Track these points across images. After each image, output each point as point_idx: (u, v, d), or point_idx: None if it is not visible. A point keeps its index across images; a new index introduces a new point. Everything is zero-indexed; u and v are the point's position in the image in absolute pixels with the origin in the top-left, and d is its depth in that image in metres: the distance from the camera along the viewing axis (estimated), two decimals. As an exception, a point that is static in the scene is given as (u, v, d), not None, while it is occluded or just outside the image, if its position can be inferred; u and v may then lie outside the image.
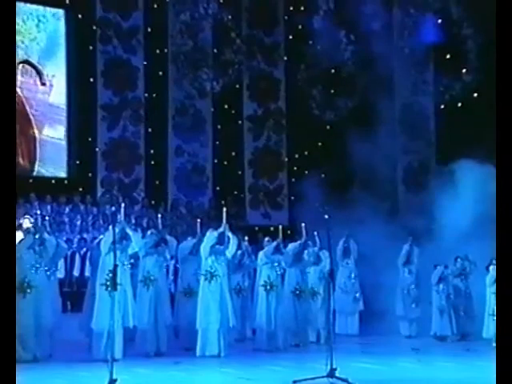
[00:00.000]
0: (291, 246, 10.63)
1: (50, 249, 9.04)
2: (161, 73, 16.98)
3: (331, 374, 7.16)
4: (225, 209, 9.74)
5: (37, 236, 8.94)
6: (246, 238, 11.89)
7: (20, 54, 15.81)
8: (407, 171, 17.87)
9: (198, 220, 10.68)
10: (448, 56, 17.03)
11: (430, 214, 13.13)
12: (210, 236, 9.47)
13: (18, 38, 15.71)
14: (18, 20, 15.68)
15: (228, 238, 9.51)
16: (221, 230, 9.47)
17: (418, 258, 12.37)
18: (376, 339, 11.56)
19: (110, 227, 9.31)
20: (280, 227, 10.56)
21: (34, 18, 16.18)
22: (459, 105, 16.72)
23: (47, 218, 10.98)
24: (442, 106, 17.27)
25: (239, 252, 10.56)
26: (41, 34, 16.24)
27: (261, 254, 10.37)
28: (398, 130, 17.59)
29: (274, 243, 10.34)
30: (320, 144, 17.55)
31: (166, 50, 16.94)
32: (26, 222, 10.67)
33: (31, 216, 12.69)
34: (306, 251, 10.76)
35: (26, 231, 9.42)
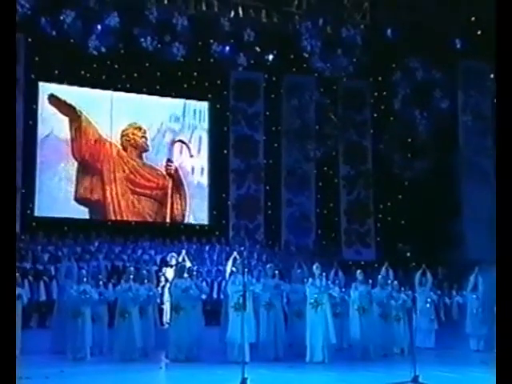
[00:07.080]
0: (379, 293, 10.35)
1: (194, 293, 9.44)
2: (276, 144, 17.35)
3: (415, 379, 7.05)
4: (324, 280, 9.62)
5: (187, 281, 9.40)
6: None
7: (174, 135, 16.76)
8: (470, 217, 17.15)
9: (298, 271, 10.57)
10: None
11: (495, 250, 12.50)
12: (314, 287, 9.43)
13: (176, 125, 16.77)
14: (176, 112, 16.74)
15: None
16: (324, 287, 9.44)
17: (483, 285, 11.78)
18: (450, 352, 11.03)
19: (229, 268, 9.68)
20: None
21: (186, 109, 17.06)
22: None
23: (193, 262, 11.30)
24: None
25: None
26: (192, 120, 17.07)
27: (354, 285, 10.23)
28: (464, 184, 17.01)
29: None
30: (400, 197, 17.25)
31: (279, 128, 17.33)
32: (179, 261, 10.92)
33: (178, 255, 13.06)
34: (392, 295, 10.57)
35: (178, 272, 9.73)
